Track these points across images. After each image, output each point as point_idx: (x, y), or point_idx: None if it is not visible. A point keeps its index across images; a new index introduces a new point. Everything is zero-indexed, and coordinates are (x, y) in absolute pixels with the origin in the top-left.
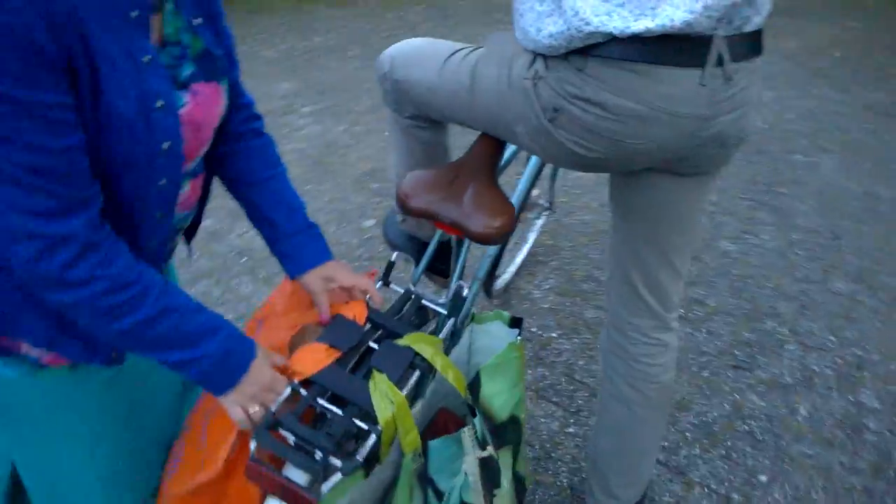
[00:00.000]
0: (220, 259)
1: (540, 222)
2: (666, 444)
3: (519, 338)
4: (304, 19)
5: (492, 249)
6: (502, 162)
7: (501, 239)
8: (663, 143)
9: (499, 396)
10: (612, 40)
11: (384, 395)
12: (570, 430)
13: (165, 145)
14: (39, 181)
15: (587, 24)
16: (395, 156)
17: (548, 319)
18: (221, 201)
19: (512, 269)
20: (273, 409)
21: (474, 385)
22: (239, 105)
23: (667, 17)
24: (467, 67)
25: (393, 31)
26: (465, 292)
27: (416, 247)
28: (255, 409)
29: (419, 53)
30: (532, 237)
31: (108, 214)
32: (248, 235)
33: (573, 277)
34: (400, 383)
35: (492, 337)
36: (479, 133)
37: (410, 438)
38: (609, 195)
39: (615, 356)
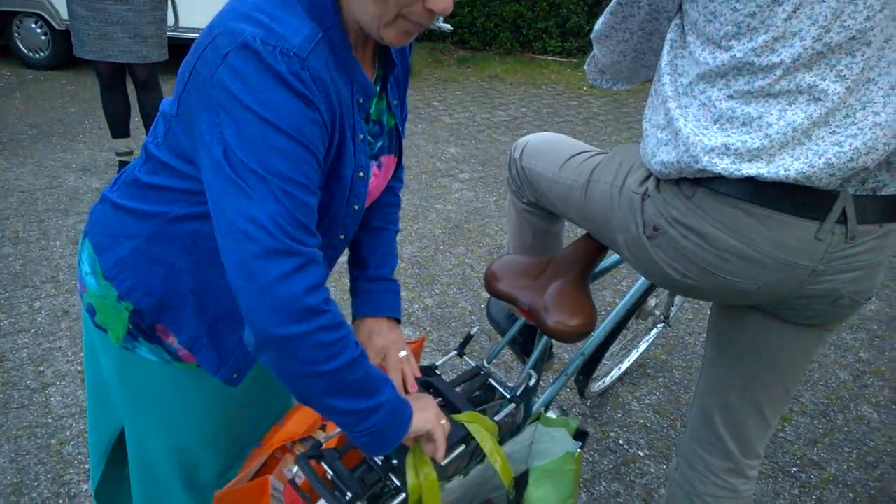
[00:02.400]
0: (347, 296)
1: (653, 333)
2: None
3: (579, 451)
4: (491, 94)
5: (587, 348)
6: (600, 268)
7: (575, 338)
8: (765, 286)
9: (544, 502)
10: (724, 177)
11: (419, 464)
12: None
13: (356, 207)
14: (291, 229)
15: (696, 161)
16: (509, 237)
17: (639, 436)
18: None
19: (615, 374)
20: (322, 440)
21: (521, 482)
22: None
23: (782, 166)
24: (587, 169)
25: (571, 118)
26: (533, 382)
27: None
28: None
29: (549, 146)
30: (643, 347)
31: None
32: None
33: (679, 400)
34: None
35: (554, 442)
36: (584, 233)
37: None
38: (708, 322)
39: (680, 489)
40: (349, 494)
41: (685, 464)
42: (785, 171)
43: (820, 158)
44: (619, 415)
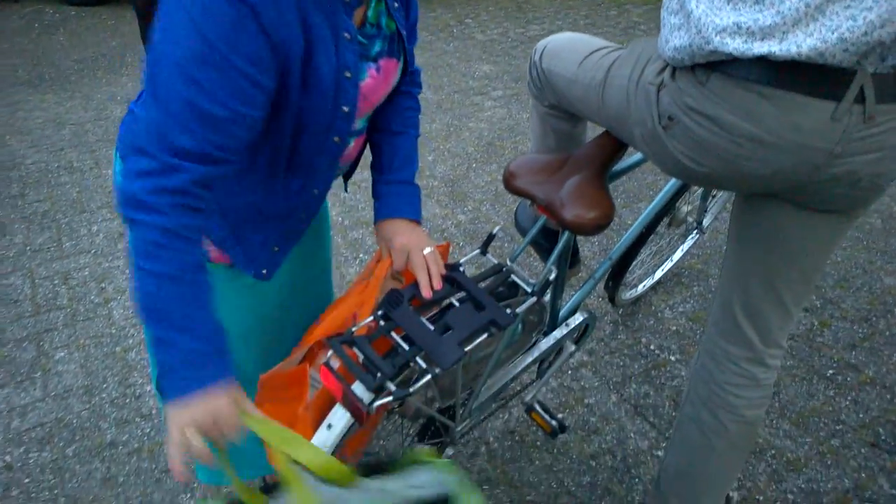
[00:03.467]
0: None
1: (688, 242)
2: (760, 498)
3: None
4: (525, 8)
5: (614, 253)
6: (620, 167)
7: (592, 231)
8: (780, 170)
9: None
10: (737, 59)
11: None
12: (658, 453)
13: (345, 109)
14: (195, 126)
15: (708, 42)
16: (532, 141)
17: (670, 342)
18: None
19: (648, 282)
20: (354, 328)
21: None
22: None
23: (794, 43)
24: (605, 65)
25: (610, 29)
26: (553, 276)
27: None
28: (193, 438)
29: (567, 46)
30: (677, 256)
31: (289, 161)
32: None
33: None
34: (466, 342)
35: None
36: (603, 130)
37: None
38: (730, 214)
39: (700, 379)
40: (379, 375)
41: (706, 354)
42: (797, 48)
43: (833, 33)
44: (651, 322)
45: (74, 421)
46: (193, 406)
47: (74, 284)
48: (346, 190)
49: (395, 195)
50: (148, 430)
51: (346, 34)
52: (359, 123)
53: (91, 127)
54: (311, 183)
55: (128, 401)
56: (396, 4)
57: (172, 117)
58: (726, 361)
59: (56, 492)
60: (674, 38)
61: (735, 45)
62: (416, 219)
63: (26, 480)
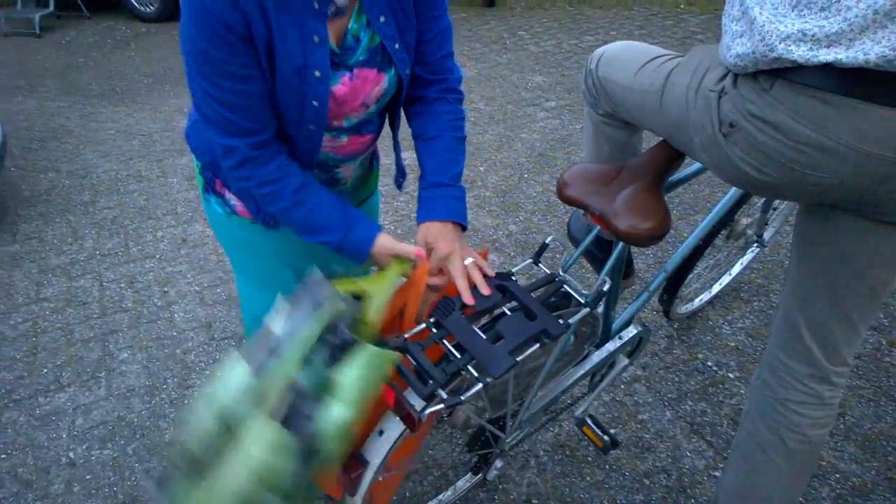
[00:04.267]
0: None
1: (748, 256)
2: None
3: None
4: (579, 19)
5: (669, 265)
6: (677, 177)
7: (647, 242)
8: (846, 180)
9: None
10: (802, 66)
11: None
12: (716, 473)
13: (315, 103)
14: (220, 110)
15: (772, 50)
16: (586, 150)
17: (728, 358)
18: None
19: (705, 296)
20: (406, 336)
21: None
22: (439, 78)
23: (861, 50)
24: (663, 73)
25: (665, 39)
26: (607, 287)
27: (594, 242)
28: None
29: (624, 54)
30: (736, 270)
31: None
32: None
33: None
34: (517, 351)
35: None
36: (660, 140)
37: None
38: (794, 225)
39: (761, 396)
40: (431, 383)
41: (767, 371)
42: (864, 55)
43: None
44: (709, 337)
45: (135, 420)
46: (374, 257)
47: (139, 288)
48: (400, 189)
49: (432, 198)
50: None
51: (315, 37)
52: (345, 122)
53: (158, 138)
54: (296, 153)
55: (186, 401)
56: (383, 19)
57: (210, 112)
58: (789, 378)
59: (115, 489)
60: (736, 46)
61: (800, 53)
62: (454, 219)
63: (88, 477)
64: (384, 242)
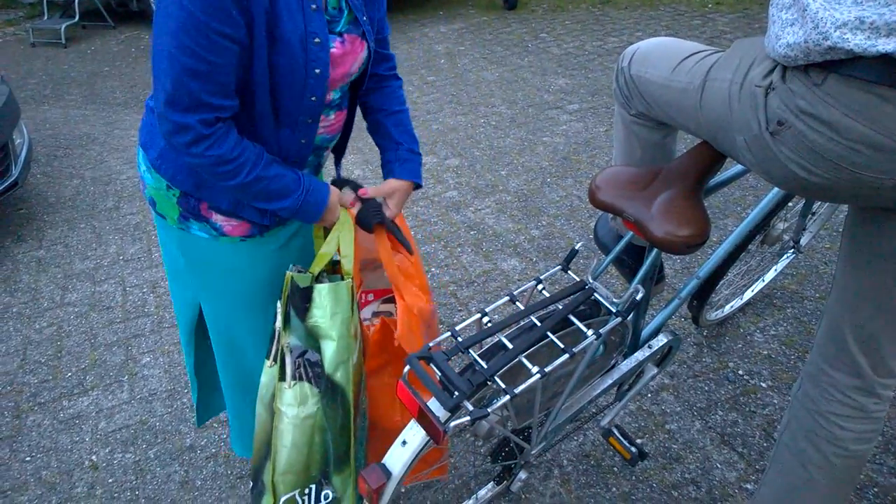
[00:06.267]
0: (452, 228)
1: (783, 262)
2: None
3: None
4: (603, 20)
5: (702, 271)
6: (717, 180)
7: (685, 250)
8: None
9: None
10: (857, 58)
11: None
12: (748, 486)
13: (317, 71)
14: (186, 80)
15: (826, 38)
16: (617, 152)
17: (761, 367)
18: (467, 179)
19: (736, 303)
20: (430, 344)
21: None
22: (386, 57)
23: None
24: (703, 69)
25: (693, 39)
26: (639, 297)
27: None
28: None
29: (659, 51)
30: (770, 276)
31: (275, 114)
32: (482, 212)
33: (810, 332)
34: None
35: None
36: (700, 142)
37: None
38: (843, 228)
39: (802, 408)
40: (456, 394)
41: (809, 381)
42: None
43: None
44: (740, 345)
45: (157, 424)
46: (325, 216)
47: (161, 293)
48: (338, 175)
49: (408, 160)
50: (224, 436)
51: (312, 6)
52: (333, 94)
53: None
54: (297, 133)
55: None
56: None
57: (171, 80)
58: (832, 390)
59: (137, 493)
60: (786, 35)
61: (857, 42)
62: (417, 181)
63: (110, 480)
64: (335, 195)
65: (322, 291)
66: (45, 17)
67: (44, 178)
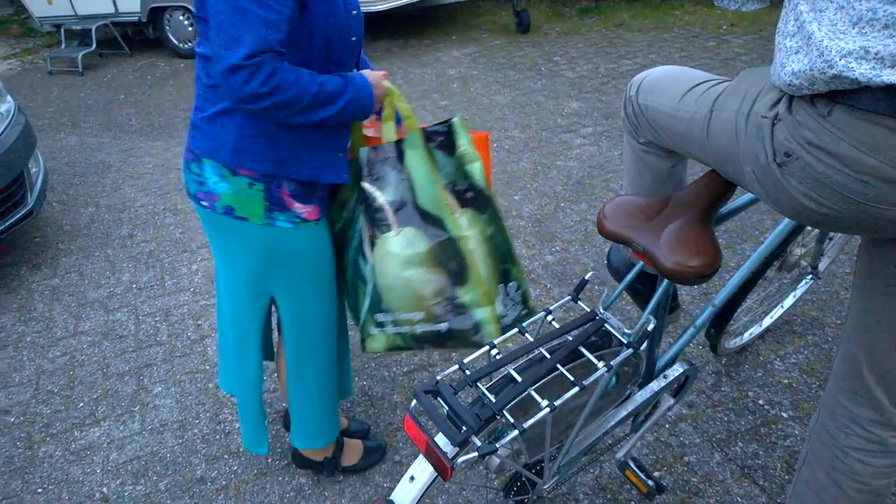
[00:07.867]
0: None
1: (801, 288)
2: None
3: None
4: (617, 43)
5: (718, 299)
6: (728, 209)
7: (695, 280)
8: None
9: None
10: (863, 88)
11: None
12: None
13: (353, 38)
14: (261, 29)
15: (831, 66)
16: (626, 180)
17: (781, 396)
18: None
19: (755, 330)
20: (438, 377)
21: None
22: None
23: None
24: (709, 99)
25: (708, 61)
26: (651, 327)
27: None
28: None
29: (666, 80)
30: (789, 303)
31: (327, 60)
32: None
33: (830, 358)
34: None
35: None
36: (709, 170)
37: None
38: (856, 258)
39: (820, 441)
40: (464, 429)
41: (826, 414)
42: None
43: None
44: (760, 374)
45: (168, 455)
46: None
47: (174, 321)
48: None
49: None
50: (235, 468)
51: None
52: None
53: None
54: (344, 68)
55: (218, 437)
56: None
57: (248, 29)
58: (850, 423)
59: None
60: (791, 63)
61: (862, 71)
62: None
63: None
64: (367, 73)
65: (457, 125)
66: (63, 46)
67: (59, 206)
